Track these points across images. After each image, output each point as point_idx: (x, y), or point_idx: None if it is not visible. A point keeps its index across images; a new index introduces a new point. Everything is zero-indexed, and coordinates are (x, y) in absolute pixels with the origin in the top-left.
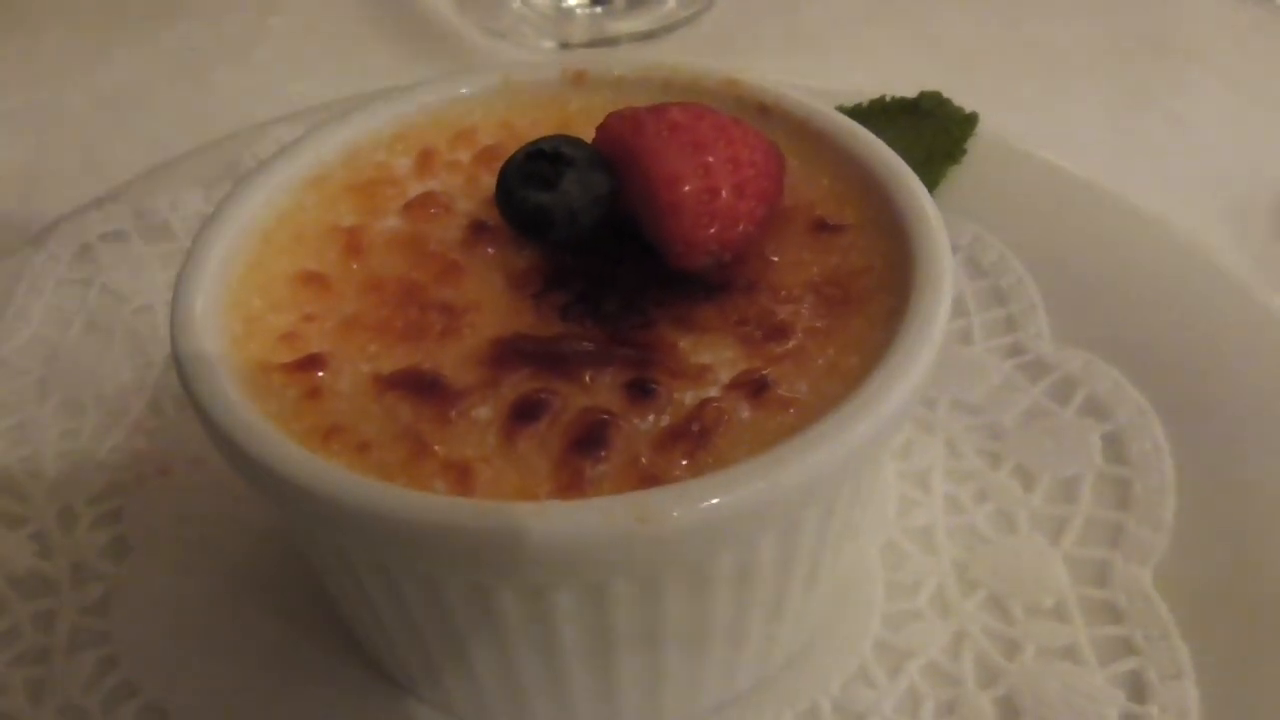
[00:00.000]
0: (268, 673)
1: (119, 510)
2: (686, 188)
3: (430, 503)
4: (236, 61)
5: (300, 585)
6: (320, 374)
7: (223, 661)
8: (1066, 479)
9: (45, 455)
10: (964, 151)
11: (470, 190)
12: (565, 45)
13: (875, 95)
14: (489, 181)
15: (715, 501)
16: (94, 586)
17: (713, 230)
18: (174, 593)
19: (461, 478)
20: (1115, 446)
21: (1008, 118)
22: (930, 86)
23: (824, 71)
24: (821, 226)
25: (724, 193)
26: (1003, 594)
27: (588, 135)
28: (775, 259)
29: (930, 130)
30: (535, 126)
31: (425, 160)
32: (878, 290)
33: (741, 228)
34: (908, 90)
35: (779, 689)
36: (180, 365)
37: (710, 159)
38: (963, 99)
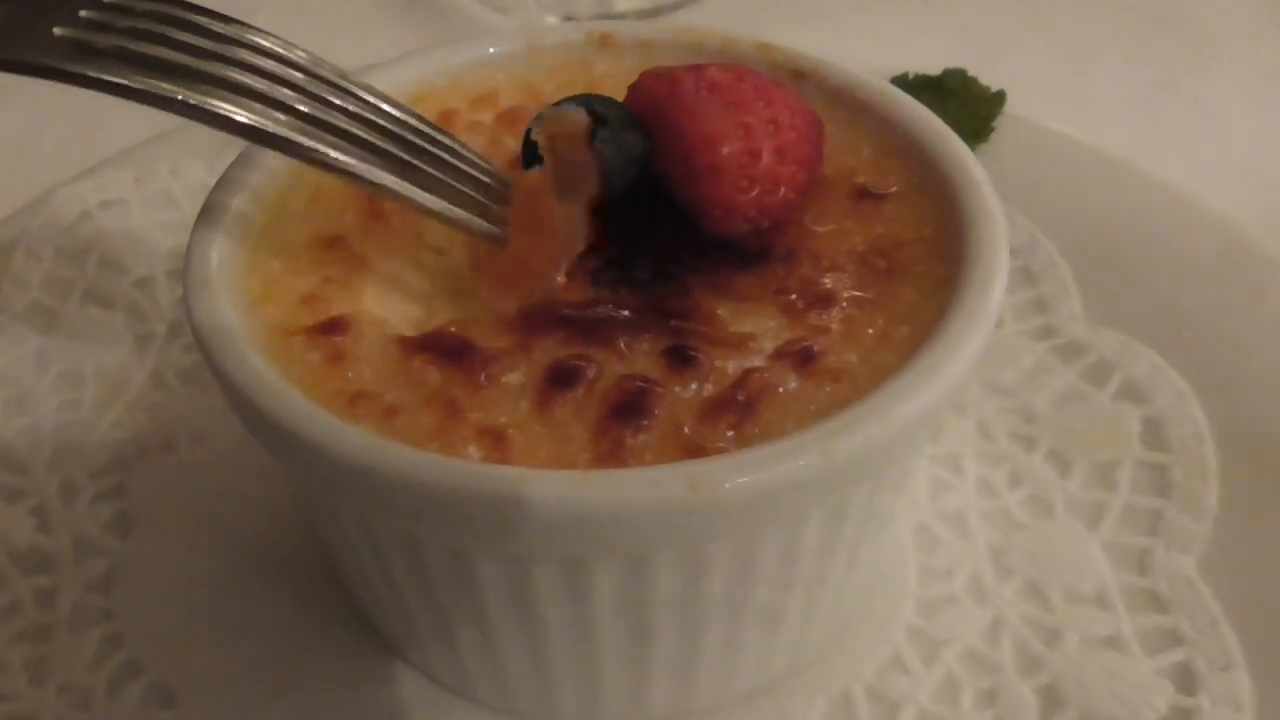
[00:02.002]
0: (277, 652)
1: (121, 485)
2: (726, 150)
3: (466, 469)
4: None
5: (310, 562)
6: (343, 337)
7: (230, 640)
8: (1103, 464)
9: (44, 427)
10: (991, 130)
11: (493, 152)
12: (569, 19)
13: (897, 73)
14: (512, 144)
15: (769, 473)
16: (96, 563)
17: (753, 195)
18: (179, 570)
19: (496, 444)
20: (1154, 431)
21: (1029, 101)
22: (951, 65)
23: (840, 49)
24: (864, 195)
25: (765, 156)
26: (1040, 581)
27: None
28: (816, 228)
29: (955, 108)
30: (560, 90)
31: (446, 122)
32: (927, 259)
33: (783, 193)
34: (928, 70)
35: (812, 675)
36: (195, 327)
37: (751, 120)
38: (982, 81)
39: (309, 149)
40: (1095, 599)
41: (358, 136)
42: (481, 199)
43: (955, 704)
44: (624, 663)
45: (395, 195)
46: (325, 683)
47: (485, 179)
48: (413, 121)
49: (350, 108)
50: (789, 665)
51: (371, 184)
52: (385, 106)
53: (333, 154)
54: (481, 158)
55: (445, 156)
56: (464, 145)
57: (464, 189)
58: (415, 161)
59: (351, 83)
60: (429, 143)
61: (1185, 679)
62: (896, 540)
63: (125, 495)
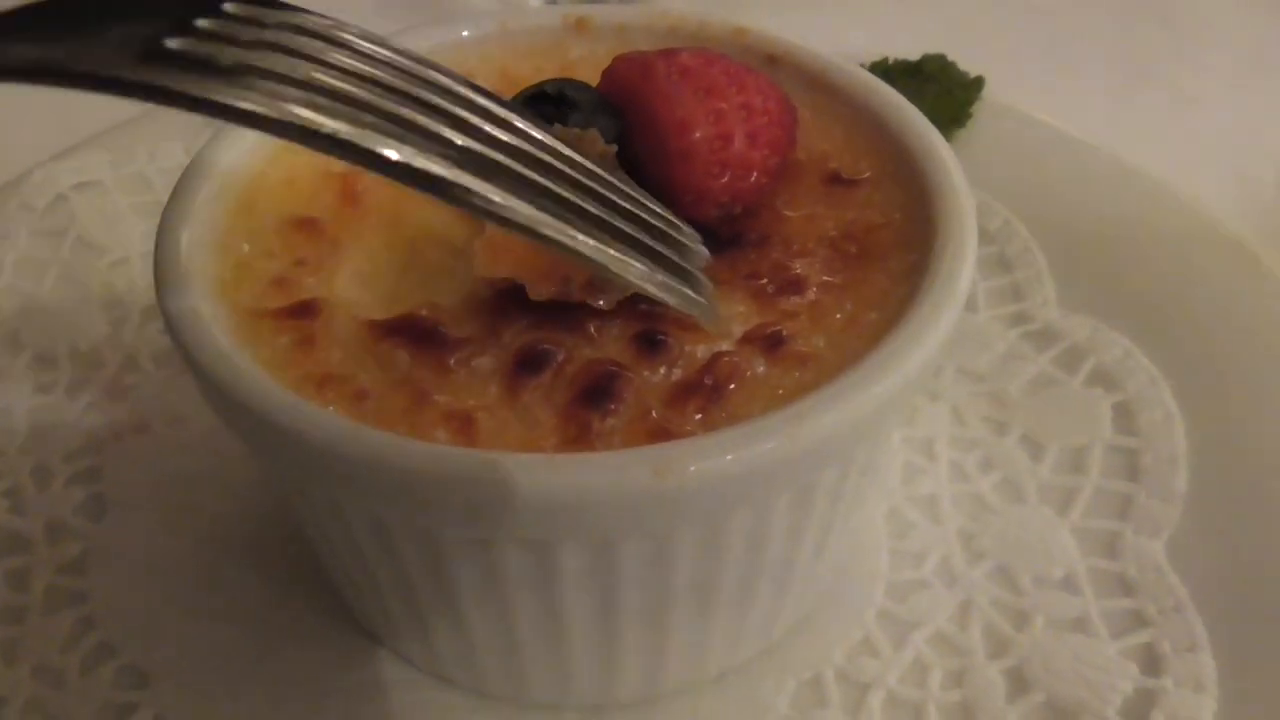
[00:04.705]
0: (250, 634)
1: (96, 468)
2: (698, 134)
3: (434, 452)
4: None
5: (284, 545)
6: (313, 321)
7: (204, 623)
8: (1075, 449)
9: (18, 410)
10: (969, 116)
11: None
12: (553, 2)
13: (876, 58)
14: None
15: (734, 456)
16: (70, 545)
17: (724, 180)
18: (154, 552)
19: (463, 428)
20: (1125, 416)
21: (1008, 87)
22: (930, 51)
23: (820, 34)
24: (836, 180)
25: (737, 141)
26: (1010, 564)
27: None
28: (788, 213)
29: (933, 94)
30: (535, 75)
31: None
32: (897, 245)
33: (754, 178)
34: (907, 55)
35: (782, 658)
36: (165, 310)
37: (723, 105)
38: (961, 66)
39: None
40: (1064, 582)
41: (555, 194)
42: (679, 261)
43: (924, 686)
44: (593, 645)
45: (601, 268)
46: (299, 665)
47: (680, 237)
48: (606, 176)
49: (551, 161)
50: (759, 648)
51: (581, 256)
52: (583, 161)
53: (526, 211)
54: (673, 215)
55: (644, 215)
56: (660, 205)
57: (662, 250)
58: (616, 222)
59: (547, 134)
60: (621, 196)
61: (1150, 661)
62: (868, 524)
63: (100, 478)
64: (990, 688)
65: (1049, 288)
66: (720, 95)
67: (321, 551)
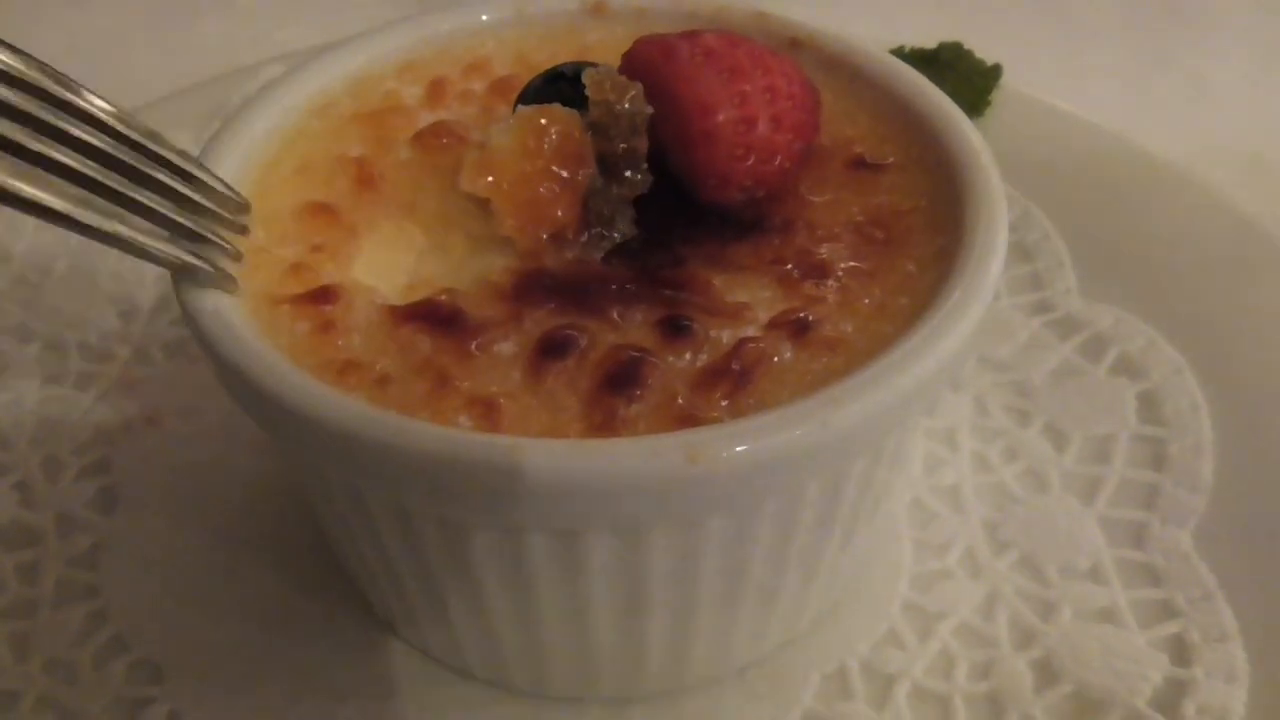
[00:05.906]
0: (265, 628)
1: (106, 460)
2: (721, 116)
3: (460, 438)
4: (221, 7)
5: (298, 536)
6: (332, 307)
7: (218, 616)
8: (1099, 439)
9: (27, 402)
10: (987, 104)
11: (484, 121)
12: None
13: (892, 46)
14: (504, 113)
15: (769, 442)
16: (81, 538)
17: (748, 163)
18: (165, 545)
19: (487, 414)
20: (1150, 406)
21: (1025, 75)
22: (946, 39)
23: (835, 21)
24: (861, 165)
25: (761, 124)
26: (1035, 555)
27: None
28: (812, 198)
29: (951, 82)
30: (552, 59)
31: (436, 90)
32: (925, 230)
33: (779, 161)
34: (923, 43)
35: (806, 650)
36: (182, 298)
37: (747, 88)
38: (978, 54)
39: None
40: (1090, 573)
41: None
42: (193, 226)
43: (950, 678)
44: (618, 636)
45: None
46: (315, 658)
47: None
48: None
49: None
50: (784, 640)
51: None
52: (110, 123)
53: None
54: (221, 181)
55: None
56: (199, 165)
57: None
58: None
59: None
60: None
61: (1180, 651)
62: (891, 516)
63: (110, 470)
64: (1018, 679)
65: (1070, 276)
66: (744, 78)
67: (340, 542)
